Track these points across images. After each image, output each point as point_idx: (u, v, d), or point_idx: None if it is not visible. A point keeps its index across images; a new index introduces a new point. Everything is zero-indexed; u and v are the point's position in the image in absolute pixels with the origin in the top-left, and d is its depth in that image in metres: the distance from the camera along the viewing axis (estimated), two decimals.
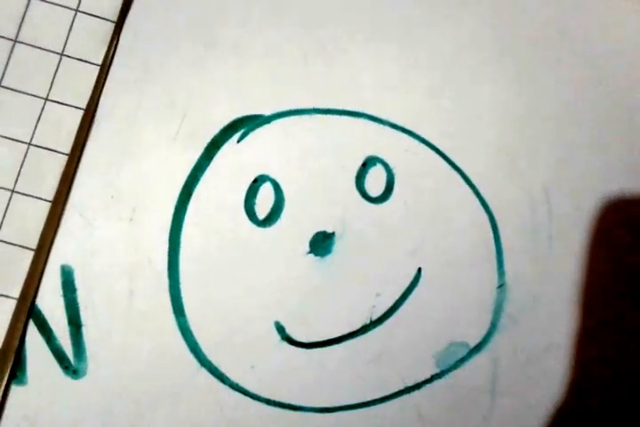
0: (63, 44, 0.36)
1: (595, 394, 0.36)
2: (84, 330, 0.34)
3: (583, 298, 0.37)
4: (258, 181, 0.36)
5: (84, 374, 0.34)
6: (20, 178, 0.35)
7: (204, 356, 0.35)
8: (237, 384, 0.35)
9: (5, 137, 0.35)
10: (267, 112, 0.36)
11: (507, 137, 0.37)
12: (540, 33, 0.38)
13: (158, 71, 0.36)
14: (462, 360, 0.36)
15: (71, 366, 0.34)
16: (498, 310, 0.36)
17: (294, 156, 0.36)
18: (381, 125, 0.36)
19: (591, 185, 0.37)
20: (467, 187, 0.37)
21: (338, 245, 0.36)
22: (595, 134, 0.38)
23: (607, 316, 0.37)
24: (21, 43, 0.35)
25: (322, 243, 0.36)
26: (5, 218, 0.34)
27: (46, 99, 0.35)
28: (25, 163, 0.35)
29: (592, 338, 0.36)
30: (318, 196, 0.36)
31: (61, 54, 0.36)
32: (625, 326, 0.37)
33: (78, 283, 0.35)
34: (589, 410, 0.36)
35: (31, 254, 0.34)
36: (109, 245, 0.35)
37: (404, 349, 0.36)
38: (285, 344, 0.35)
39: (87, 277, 0.35)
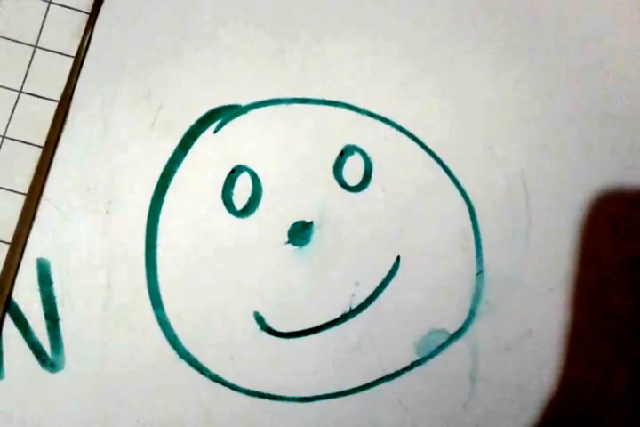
0: (37, 36, 0.35)
1: (576, 381, 0.37)
2: (61, 323, 0.34)
3: (566, 286, 0.37)
4: (235, 172, 0.36)
5: (62, 367, 0.34)
6: None
7: (182, 348, 0.34)
8: (217, 375, 0.35)
9: None
10: (243, 102, 0.36)
11: (484, 125, 0.37)
12: (516, 22, 0.38)
13: (133, 63, 0.36)
14: (442, 347, 0.36)
15: (48, 359, 0.34)
16: (476, 296, 0.36)
17: (272, 145, 0.36)
18: (359, 114, 0.36)
19: (568, 173, 0.37)
20: (445, 175, 0.37)
21: (316, 235, 0.36)
22: (572, 122, 0.38)
23: (587, 302, 0.37)
24: None
25: (300, 232, 0.36)
26: None
27: (20, 91, 0.35)
28: None
29: (575, 324, 0.37)
30: (296, 185, 0.36)
31: (35, 46, 0.35)
32: (607, 312, 0.37)
33: (55, 276, 0.34)
34: (570, 397, 0.37)
35: (6, 248, 0.34)
36: (86, 237, 0.35)
37: (384, 337, 0.35)
38: (265, 334, 0.35)
39: (64, 270, 0.34)
